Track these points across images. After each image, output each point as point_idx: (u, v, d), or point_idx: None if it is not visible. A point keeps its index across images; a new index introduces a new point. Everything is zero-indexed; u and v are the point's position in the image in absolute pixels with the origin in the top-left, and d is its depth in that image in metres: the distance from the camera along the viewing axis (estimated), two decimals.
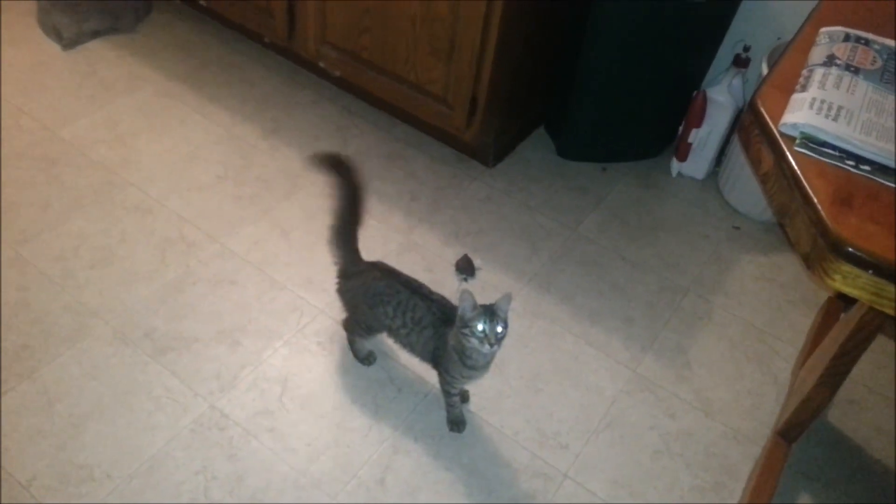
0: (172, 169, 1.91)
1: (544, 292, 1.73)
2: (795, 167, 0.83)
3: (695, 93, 1.94)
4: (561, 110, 2.03)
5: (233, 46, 2.32)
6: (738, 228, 1.95)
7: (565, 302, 1.71)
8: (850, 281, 0.76)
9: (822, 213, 0.78)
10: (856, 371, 1.58)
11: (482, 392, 1.51)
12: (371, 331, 1.45)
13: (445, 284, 1.71)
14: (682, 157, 2.03)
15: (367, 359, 1.54)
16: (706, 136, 1.98)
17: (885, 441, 1.53)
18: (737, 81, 1.91)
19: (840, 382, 1.30)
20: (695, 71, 1.98)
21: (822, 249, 0.77)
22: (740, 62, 1.91)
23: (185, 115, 2.07)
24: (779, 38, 1.85)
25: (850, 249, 0.75)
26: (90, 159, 1.89)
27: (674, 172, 2.08)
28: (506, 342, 1.59)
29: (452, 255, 1.79)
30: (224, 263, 1.69)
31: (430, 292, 1.40)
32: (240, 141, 2.01)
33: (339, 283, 1.47)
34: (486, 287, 1.72)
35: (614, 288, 1.76)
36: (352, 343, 1.54)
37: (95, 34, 2.28)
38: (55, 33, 2.23)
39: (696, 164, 2.05)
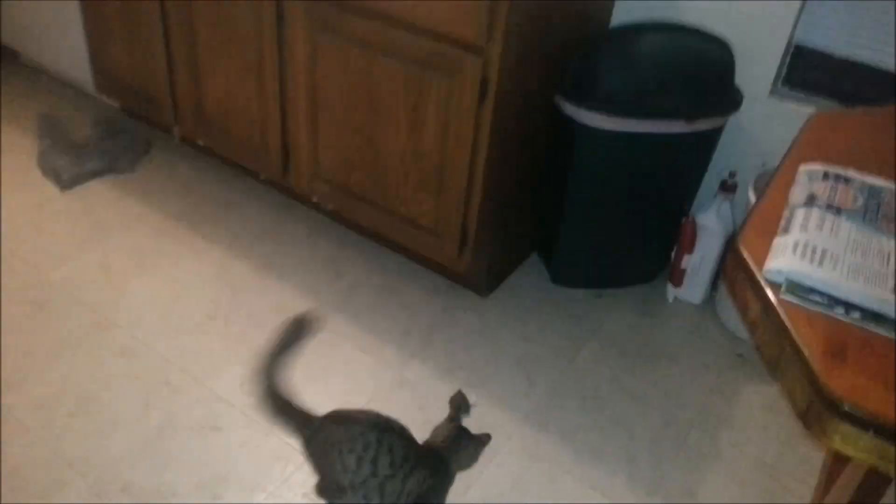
0: (162, 310, 1.89)
1: (542, 431, 1.65)
2: (783, 317, 0.79)
3: (684, 219, 1.94)
4: (552, 238, 2.03)
5: (229, 183, 2.37)
6: (741, 356, 1.89)
7: (565, 441, 1.63)
8: (850, 442, 0.71)
9: (815, 368, 0.74)
10: None
11: None
12: (342, 492, 1.29)
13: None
14: (678, 283, 2.00)
15: None
16: (699, 262, 1.96)
17: None
18: (725, 207, 1.92)
19: None
20: (682, 198, 1.99)
21: (818, 407, 0.72)
22: (727, 188, 1.92)
23: (178, 254, 2.07)
24: (763, 164, 1.87)
25: (848, 408, 0.70)
26: (79, 301, 1.88)
27: (670, 298, 2.05)
28: (502, 488, 1.52)
29: (446, 391, 1.72)
30: (209, 408, 1.64)
31: (403, 429, 1.31)
32: (231, 278, 2.00)
33: (303, 449, 1.34)
34: (482, 426, 1.64)
35: (615, 423, 1.68)
36: None
37: (94, 174, 2.33)
38: (54, 175, 2.28)
39: (692, 289, 2.02)
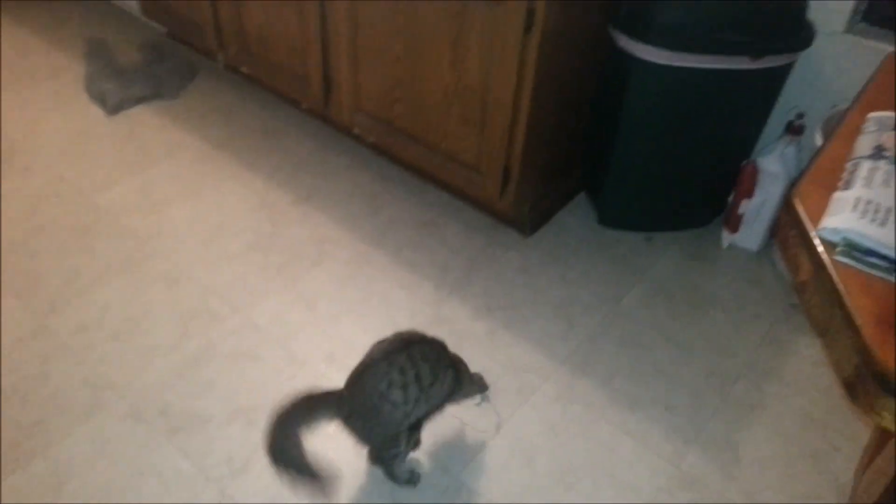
0: (203, 237, 1.89)
1: (580, 375, 1.62)
2: (836, 280, 0.72)
3: (745, 162, 1.83)
4: (601, 177, 1.94)
5: (272, 112, 2.33)
6: (795, 306, 1.80)
7: (603, 386, 1.60)
8: None
9: (866, 336, 0.67)
10: None
11: (507, 487, 1.40)
12: (395, 440, 1.28)
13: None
14: (734, 229, 1.90)
15: (410, 480, 1.39)
16: (759, 207, 1.85)
17: None
18: (790, 150, 1.79)
19: None
20: (744, 139, 1.86)
21: (867, 381, 0.66)
22: (794, 130, 1.79)
23: (220, 182, 2.07)
24: (834, 106, 1.73)
25: None
26: (123, 227, 1.90)
27: (725, 244, 1.95)
28: (536, 430, 1.50)
29: (483, 329, 1.70)
30: (246, 337, 1.65)
31: (414, 331, 1.31)
32: (272, 207, 1.99)
33: (346, 425, 1.27)
34: (517, 370, 1.62)
35: (657, 371, 1.63)
36: (390, 474, 1.38)
37: (140, 100, 2.33)
38: (101, 99, 2.28)
39: (749, 236, 1.92)
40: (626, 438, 1.50)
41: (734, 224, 1.89)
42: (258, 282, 1.79)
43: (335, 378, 1.56)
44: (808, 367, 1.67)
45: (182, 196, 2.01)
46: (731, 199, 1.89)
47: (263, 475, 1.39)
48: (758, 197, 1.83)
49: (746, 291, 1.84)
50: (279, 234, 1.92)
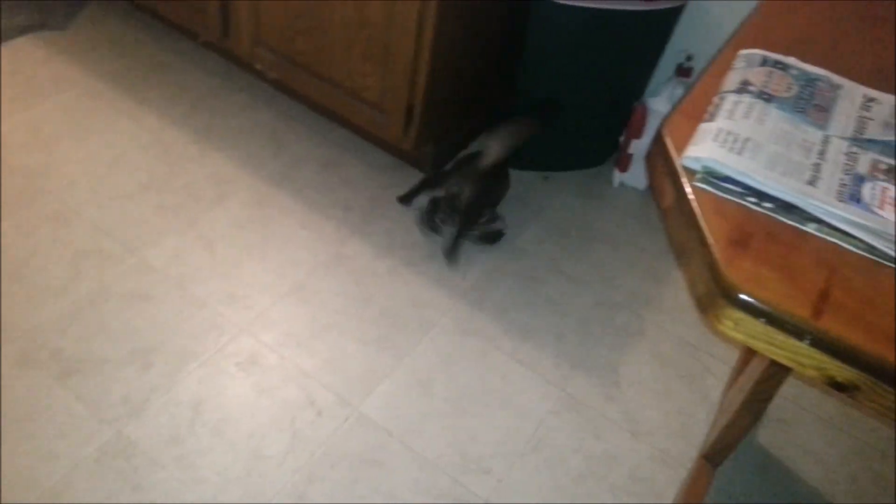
0: (94, 176, 1.82)
1: (477, 308, 1.68)
2: (693, 204, 0.79)
3: (636, 103, 1.90)
4: (501, 118, 1.98)
5: (167, 45, 2.24)
6: None
7: (498, 318, 1.67)
8: (742, 328, 0.72)
9: (716, 255, 0.74)
10: (785, 388, 1.57)
11: (405, 415, 1.46)
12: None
13: (374, 300, 1.66)
14: (624, 168, 1.99)
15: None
16: (647, 147, 1.94)
17: (815, 463, 1.51)
18: (679, 91, 1.88)
19: (763, 408, 1.28)
20: (636, 81, 1.94)
21: (715, 294, 0.73)
22: (683, 72, 1.88)
23: (112, 119, 1.98)
24: (721, 49, 1.81)
25: (742, 296, 0.71)
26: (9, 165, 1.80)
27: (615, 183, 2.04)
28: (434, 361, 1.56)
29: (384, 268, 1.73)
30: (141, 278, 1.62)
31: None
32: (168, 146, 1.93)
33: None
34: (416, 305, 1.67)
35: (549, 303, 1.72)
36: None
37: (23, 30, 2.18)
38: None
39: (638, 175, 2.01)
40: (518, 366, 1.58)
41: (624, 164, 1.98)
42: (154, 222, 1.74)
43: (235, 318, 1.57)
44: (684, 296, 1.79)
45: (72, 133, 1.92)
46: (622, 139, 1.97)
47: (161, 415, 1.40)
48: (646, 137, 1.92)
49: (633, 227, 1.94)
50: (175, 174, 1.87)
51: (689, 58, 1.89)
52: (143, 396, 1.42)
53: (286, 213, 1.82)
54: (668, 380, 1.60)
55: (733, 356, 1.66)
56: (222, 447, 1.36)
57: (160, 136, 1.96)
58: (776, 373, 1.21)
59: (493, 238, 1.82)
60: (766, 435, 1.54)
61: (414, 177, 1.97)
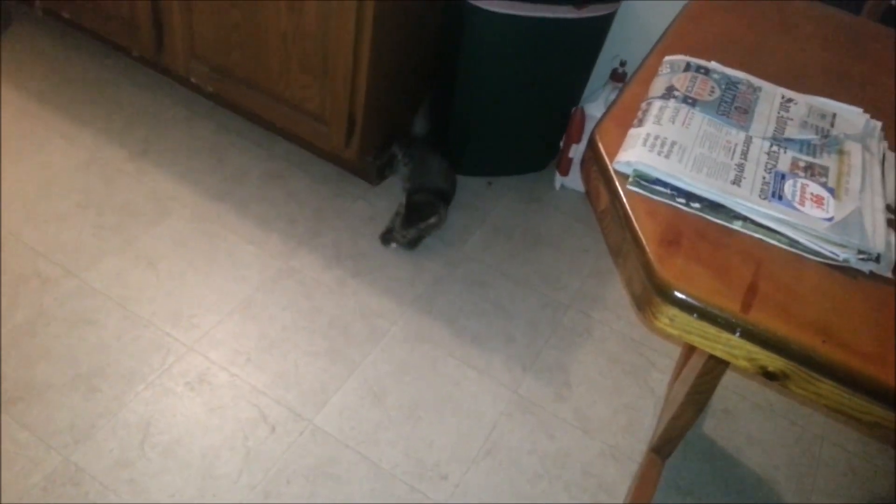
0: (28, 198, 1.77)
1: (426, 315, 1.69)
2: (627, 206, 0.82)
3: (573, 109, 1.95)
4: (443, 125, 2.01)
5: (100, 61, 2.19)
6: None
7: (448, 324, 1.68)
8: (677, 324, 0.75)
9: (650, 254, 0.77)
10: (728, 379, 1.63)
11: (359, 426, 1.46)
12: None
13: (323, 312, 1.65)
14: (565, 172, 2.04)
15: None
16: (586, 145, 1.99)
17: (758, 450, 1.57)
18: (614, 96, 1.93)
19: (706, 399, 1.32)
20: (572, 87, 1.98)
21: (650, 292, 0.76)
22: (617, 77, 1.93)
23: (45, 138, 1.93)
24: (652, 49, 1.87)
25: (676, 293, 0.74)
26: None
27: (557, 186, 2.09)
28: (386, 370, 1.56)
29: (333, 279, 1.73)
30: (82, 301, 1.58)
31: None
32: (104, 164, 1.89)
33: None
34: (366, 315, 1.67)
35: (497, 307, 1.74)
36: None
37: None
38: None
39: (579, 178, 2.06)
40: (470, 371, 1.60)
41: (565, 167, 2.02)
42: (92, 243, 1.70)
43: (182, 337, 1.55)
44: (628, 293, 1.84)
45: (3, 155, 1.86)
46: (562, 143, 2.02)
47: (110, 439, 1.37)
48: (585, 141, 1.96)
49: (576, 229, 1.99)
50: (113, 192, 1.83)
51: (622, 63, 1.95)
52: (89, 421, 1.39)
53: (230, 229, 1.80)
54: (616, 376, 1.65)
55: (676, 350, 1.71)
56: (174, 468, 1.34)
57: (96, 154, 1.92)
58: (715, 365, 1.26)
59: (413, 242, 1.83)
60: (711, 425, 1.60)
61: (358, 186, 1.98)
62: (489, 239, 1.91)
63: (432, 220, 1.77)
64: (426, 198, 1.79)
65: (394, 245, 1.82)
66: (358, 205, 1.93)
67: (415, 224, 1.76)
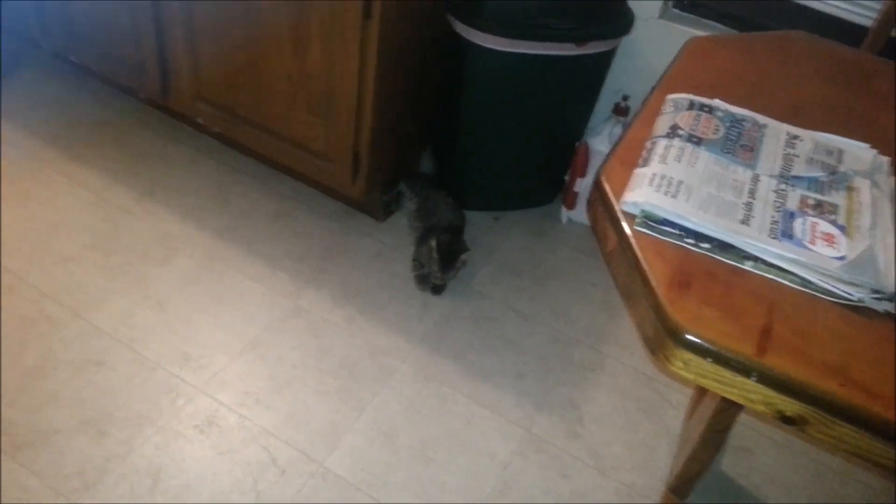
0: (35, 240, 1.78)
1: (435, 353, 1.68)
2: (635, 248, 0.81)
3: (578, 143, 1.95)
4: (447, 161, 2.01)
5: (106, 103, 2.22)
6: None
7: (456, 361, 1.67)
8: (692, 368, 0.74)
9: (660, 296, 0.76)
10: (744, 416, 1.60)
11: (370, 467, 1.44)
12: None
13: (332, 351, 1.64)
14: (570, 205, 2.03)
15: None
16: (592, 185, 1.99)
17: (778, 489, 1.53)
18: (617, 130, 1.94)
19: (723, 439, 1.30)
20: (575, 122, 1.99)
21: (662, 335, 0.75)
22: (620, 111, 1.94)
23: (52, 180, 1.95)
24: (654, 88, 1.88)
25: (689, 336, 0.73)
26: None
27: (564, 220, 2.09)
28: (396, 409, 1.55)
29: (341, 317, 1.73)
30: (90, 343, 1.58)
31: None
32: (111, 205, 1.90)
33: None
34: (375, 353, 1.66)
35: (506, 343, 1.73)
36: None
37: None
38: None
39: (585, 211, 2.05)
40: (480, 408, 1.58)
41: (571, 201, 2.02)
42: (100, 284, 1.71)
43: (190, 379, 1.54)
44: (639, 337, 1.82)
45: (9, 197, 1.88)
46: (567, 177, 2.02)
47: (119, 485, 1.35)
48: (590, 175, 1.97)
49: (583, 262, 1.98)
50: (120, 233, 1.84)
51: (625, 97, 1.95)
52: (99, 466, 1.37)
53: (237, 268, 1.80)
54: (629, 412, 1.62)
55: (690, 385, 1.69)
56: None
57: (102, 195, 1.93)
58: (730, 405, 1.24)
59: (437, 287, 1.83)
60: (730, 463, 1.57)
61: (364, 223, 1.98)
62: (497, 274, 1.90)
63: (464, 256, 1.77)
64: (451, 237, 1.79)
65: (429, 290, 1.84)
66: (365, 241, 1.94)
67: (452, 265, 1.75)
